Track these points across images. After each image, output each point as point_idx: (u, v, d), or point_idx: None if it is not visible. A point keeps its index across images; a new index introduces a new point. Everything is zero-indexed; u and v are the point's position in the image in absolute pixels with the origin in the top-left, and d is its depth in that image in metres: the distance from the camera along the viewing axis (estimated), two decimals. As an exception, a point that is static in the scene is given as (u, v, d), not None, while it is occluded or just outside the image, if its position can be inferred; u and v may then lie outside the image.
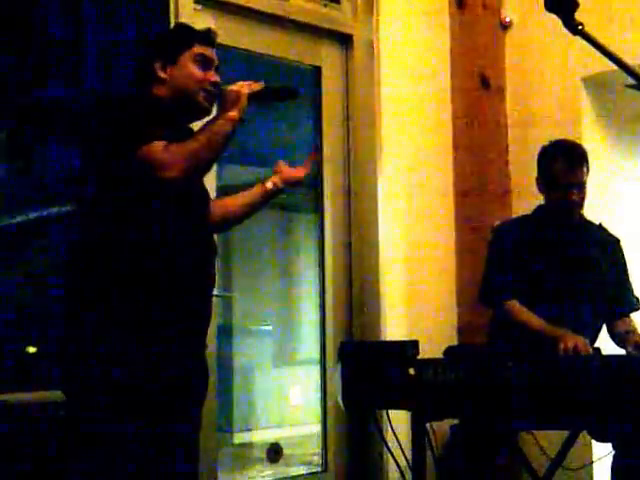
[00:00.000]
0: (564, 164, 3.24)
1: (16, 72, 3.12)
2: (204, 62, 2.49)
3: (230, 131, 2.38)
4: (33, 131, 3.55)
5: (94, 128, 2.47)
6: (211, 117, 2.48)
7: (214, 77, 2.49)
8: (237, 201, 2.80)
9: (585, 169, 3.25)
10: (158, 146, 2.28)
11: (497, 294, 3.29)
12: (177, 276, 2.38)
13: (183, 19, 3.48)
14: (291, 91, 2.57)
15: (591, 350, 2.96)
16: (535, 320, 3.14)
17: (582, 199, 3.26)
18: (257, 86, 2.45)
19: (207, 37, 2.55)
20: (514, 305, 3.21)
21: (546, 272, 3.28)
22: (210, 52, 2.52)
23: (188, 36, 2.52)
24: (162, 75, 2.47)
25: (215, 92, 2.47)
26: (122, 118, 2.37)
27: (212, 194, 3.61)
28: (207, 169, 2.43)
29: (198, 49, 2.49)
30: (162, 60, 2.47)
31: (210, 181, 3.57)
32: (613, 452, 3.03)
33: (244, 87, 2.42)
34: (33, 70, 3.13)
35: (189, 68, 2.47)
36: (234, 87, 2.42)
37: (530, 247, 3.31)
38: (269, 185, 2.76)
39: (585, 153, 3.31)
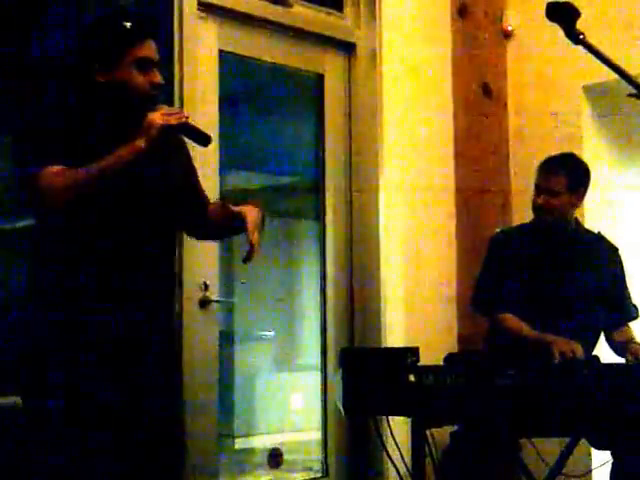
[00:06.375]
0: (541, 170, 3.31)
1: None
2: (146, 63, 2.45)
3: (130, 160, 2.34)
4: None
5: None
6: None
7: (156, 77, 2.46)
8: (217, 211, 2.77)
9: (562, 179, 3.26)
10: (47, 173, 2.31)
11: (490, 305, 3.32)
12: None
13: (187, 26, 3.50)
14: (205, 138, 2.49)
15: (583, 354, 2.97)
16: (526, 329, 3.16)
17: (552, 206, 3.27)
18: (175, 120, 2.39)
19: (146, 32, 2.49)
20: (506, 316, 3.24)
21: (542, 281, 3.30)
22: (150, 50, 2.46)
23: (127, 38, 2.45)
24: (102, 80, 2.44)
25: (157, 93, 2.46)
26: (30, 134, 2.43)
27: (214, 199, 3.64)
28: (101, 196, 2.36)
29: (139, 52, 2.43)
30: (101, 66, 2.44)
31: (212, 186, 3.60)
32: (612, 460, 3.04)
33: (160, 118, 2.36)
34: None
35: (131, 75, 2.43)
36: (152, 115, 2.37)
37: (527, 256, 3.33)
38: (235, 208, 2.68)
39: (570, 165, 3.33)
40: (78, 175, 2.31)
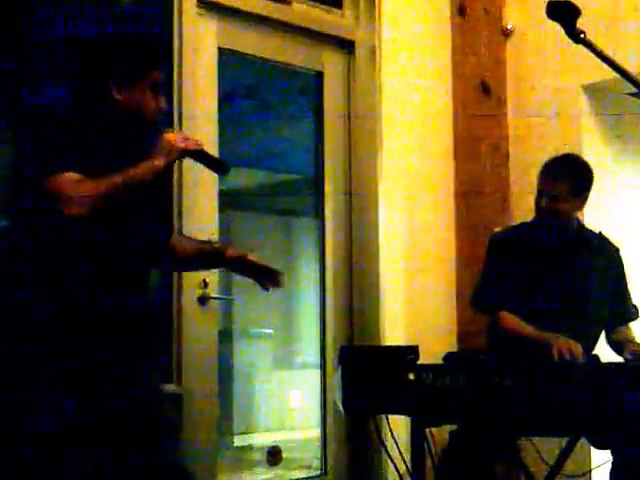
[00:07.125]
0: (544, 173, 3.29)
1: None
2: (158, 87, 2.48)
3: (148, 178, 2.35)
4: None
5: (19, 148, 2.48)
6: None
7: (163, 103, 2.50)
8: (187, 245, 2.76)
9: (566, 184, 3.23)
10: (68, 179, 2.26)
11: (490, 304, 3.31)
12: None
13: (186, 24, 3.50)
14: (222, 166, 2.54)
15: (583, 352, 2.96)
16: (526, 327, 3.16)
17: (556, 210, 3.26)
18: (194, 145, 2.44)
19: (163, 58, 2.58)
20: (505, 315, 3.24)
21: (542, 280, 3.29)
22: (162, 75, 2.51)
23: (152, 61, 2.49)
24: (117, 97, 2.43)
25: (160, 118, 2.49)
26: (39, 141, 2.37)
27: (214, 198, 3.64)
28: (114, 209, 2.36)
29: (156, 75, 2.47)
30: (119, 81, 2.43)
31: (212, 185, 3.59)
32: (612, 459, 3.03)
33: (181, 142, 2.40)
34: (26, 75, 3.07)
35: (146, 97, 2.44)
36: (171, 137, 2.40)
37: (527, 255, 3.33)
38: (217, 244, 2.79)
39: (574, 169, 3.30)
40: (101, 185, 2.28)
